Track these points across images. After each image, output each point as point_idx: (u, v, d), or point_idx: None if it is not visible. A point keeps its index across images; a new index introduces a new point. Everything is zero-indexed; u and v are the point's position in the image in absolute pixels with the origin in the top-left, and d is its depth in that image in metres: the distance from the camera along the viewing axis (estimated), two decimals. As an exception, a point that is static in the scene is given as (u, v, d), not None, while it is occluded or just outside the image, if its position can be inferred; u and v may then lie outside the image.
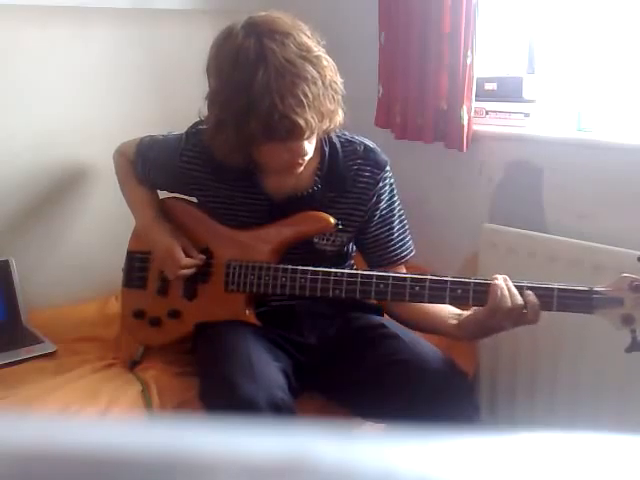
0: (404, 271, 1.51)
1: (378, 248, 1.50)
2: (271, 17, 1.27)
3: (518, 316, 1.22)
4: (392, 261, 1.50)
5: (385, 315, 1.58)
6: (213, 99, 1.30)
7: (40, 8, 1.90)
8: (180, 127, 1.54)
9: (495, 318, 1.23)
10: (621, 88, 1.77)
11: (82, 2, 1.96)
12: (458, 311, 1.35)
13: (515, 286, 1.24)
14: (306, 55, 1.23)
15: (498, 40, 2.03)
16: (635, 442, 0.32)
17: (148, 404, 1.43)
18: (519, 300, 1.22)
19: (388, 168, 1.47)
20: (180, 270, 1.45)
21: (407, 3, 1.91)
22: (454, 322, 1.33)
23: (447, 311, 1.36)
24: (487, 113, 1.94)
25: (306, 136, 1.26)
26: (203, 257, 1.47)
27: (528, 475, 0.31)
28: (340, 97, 1.31)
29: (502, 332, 1.30)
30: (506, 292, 1.22)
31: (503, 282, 1.23)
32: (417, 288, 1.30)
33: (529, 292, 1.22)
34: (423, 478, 0.30)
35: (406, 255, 1.52)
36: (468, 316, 1.31)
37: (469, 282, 1.27)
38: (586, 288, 1.21)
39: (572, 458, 0.32)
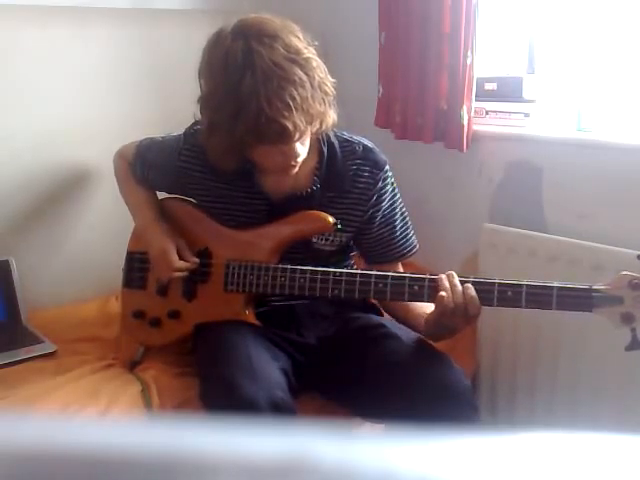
0: (400, 269, 1.51)
1: (380, 247, 1.50)
2: (261, 19, 1.27)
3: (464, 312, 1.24)
4: (393, 258, 1.51)
5: (385, 315, 1.58)
6: (204, 102, 1.31)
7: (40, 8, 1.90)
8: (180, 127, 1.54)
9: (445, 317, 1.26)
10: (621, 88, 1.77)
11: (82, 2, 1.96)
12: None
13: (514, 285, 1.24)
14: (294, 57, 1.23)
15: (498, 40, 2.02)
16: (635, 442, 0.32)
17: (148, 404, 1.43)
18: (461, 298, 1.24)
19: (387, 168, 1.47)
20: (172, 273, 1.46)
21: (407, 3, 1.91)
22: (423, 321, 1.36)
23: (423, 311, 1.39)
24: (487, 113, 1.94)
25: (296, 139, 1.26)
26: (196, 260, 1.47)
27: (528, 475, 0.31)
28: (331, 98, 1.30)
29: (459, 330, 1.31)
30: (449, 292, 1.24)
31: (446, 281, 1.25)
32: (416, 287, 1.30)
33: (468, 285, 1.24)
34: (423, 478, 0.30)
35: (407, 252, 1.52)
36: (428, 316, 1.33)
37: (468, 280, 1.27)
38: (585, 286, 1.21)
39: (572, 458, 0.32)
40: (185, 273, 1.47)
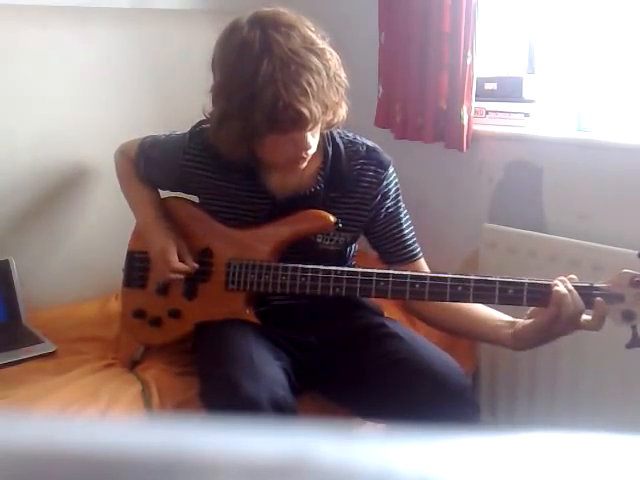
0: (426, 268, 1.50)
1: (390, 245, 1.49)
2: (276, 11, 1.29)
3: (579, 320, 1.20)
4: (408, 257, 1.49)
5: (385, 314, 1.58)
6: (218, 92, 1.31)
7: (40, 8, 1.90)
8: (180, 127, 1.54)
9: (557, 324, 1.20)
10: (621, 88, 1.77)
11: (82, 2, 1.96)
12: (510, 319, 1.32)
13: (515, 284, 1.24)
14: (310, 47, 1.25)
15: (498, 40, 2.03)
16: (635, 442, 0.32)
17: (148, 404, 1.43)
18: (581, 304, 1.19)
19: (392, 168, 1.47)
20: (170, 274, 1.46)
21: (407, 3, 1.91)
22: (509, 331, 1.30)
23: (497, 318, 1.34)
24: (487, 113, 1.94)
25: (310, 127, 1.26)
26: (195, 265, 1.46)
27: (528, 475, 0.31)
28: (344, 91, 1.32)
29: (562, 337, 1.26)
30: (569, 298, 1.19)
31: (565, 289, 1.20)
32: (417, 286, 1.30)
33: (599, 299, 1.19)
34: (423, 478, 0.30)
35: (420, 252, 1.51)
36: (526, 325, 1.27)
37: (469, 279, 1.27)
38: (587, 284, 1.22)
39: (572, 458, 0.32)
40: (181, 276, 1.47)
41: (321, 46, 1.27)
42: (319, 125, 1.30)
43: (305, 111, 1.22)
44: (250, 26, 1.26)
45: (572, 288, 1.20)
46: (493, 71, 1.99)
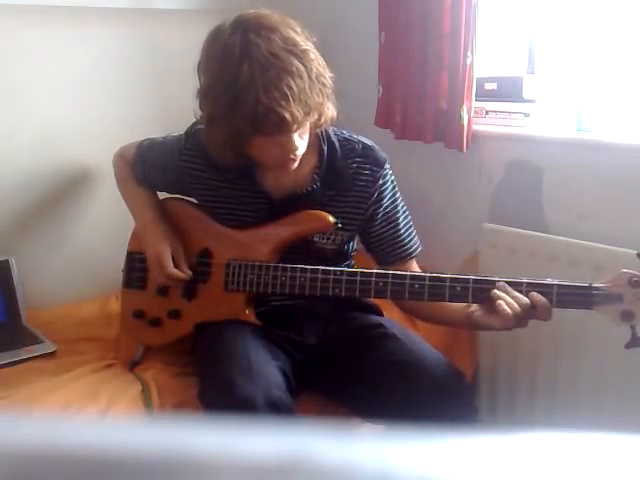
0: (416, 268, 1.50)
1: (386, 245, 1.50)
2: (259, 14, 1.28)
3: (527, 316, 1.22)
4: (402, 257, 1.50)
5: (385, 315, 1.58)
6: (203, 96, 1.32)
7: (40, 8, 1.90)
8: (180, 127, 1.54)
9: (506, 325, 1.22)
10: (621, 88, 1.77)
11: (82, 2, 1.96)
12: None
13: (514, 284, 1.24)
14: (292, 49, 1.24)
15: (498, 40, 2.02)
16: (635, 442, 0.32)
17: (148, 404, 1.43)
18: (524, 301, 1.21)
19: (388, 165, 1.47)
20: (164, 279, 1.47)
21: (407, 3, 1.91)
22: (466, 311, 1.32)
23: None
24: (487, 113, 1.94)
25: (293, 129, 1.26)
26: (189, 272, 1.47)
27: (528, 475, 0.31)
28: (329, 91, 1.31)
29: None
30: (505, 304, 1.21)
31: (502, 292, 1.22)
32: (416, 286, 1.30)
33: (534, 293, 1.21)
34: (423, 478, 0.30)
35: (415, 250, 1.52)
36: (482, 324, 1.28)
37: (468, 279, 1.27)
38: (585, 284, 1.22)
39: (572, 458, 0.32)
40: (174, 283, 1.47)
41: (303, 47, 1.25)
42: (306, 127, 1.30)
43: (287, 115, 1.21)
44: (231, 30, 1.25)
45: (511, 291, 1.22)
46: (493, 71, 1.99)
